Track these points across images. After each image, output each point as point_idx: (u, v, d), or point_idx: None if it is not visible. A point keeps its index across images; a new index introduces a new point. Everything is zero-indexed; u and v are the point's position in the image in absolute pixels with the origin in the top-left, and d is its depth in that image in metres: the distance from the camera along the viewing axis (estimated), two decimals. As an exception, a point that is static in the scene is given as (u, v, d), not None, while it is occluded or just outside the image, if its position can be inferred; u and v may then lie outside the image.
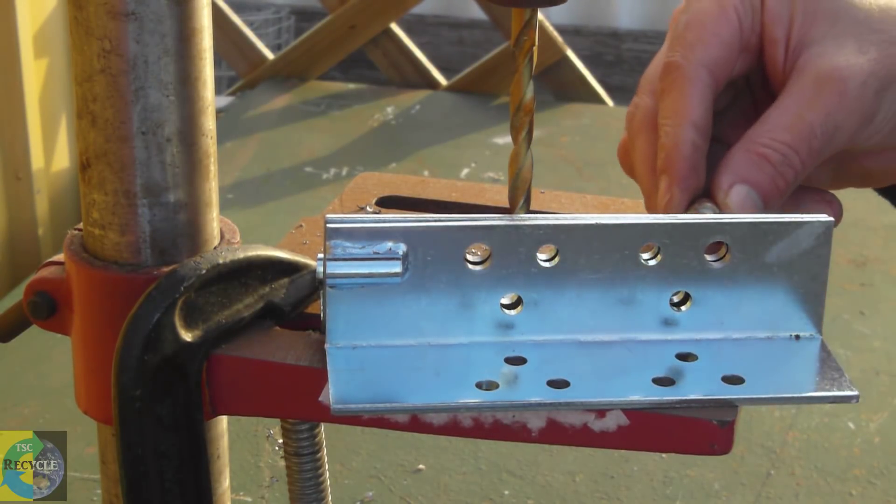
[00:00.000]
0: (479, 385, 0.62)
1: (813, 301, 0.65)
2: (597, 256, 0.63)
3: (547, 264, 0.63)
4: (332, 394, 0.61)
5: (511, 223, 0.63)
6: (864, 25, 0.68)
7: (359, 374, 0.62)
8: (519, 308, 0.64)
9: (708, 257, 0.64)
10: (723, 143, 0.70)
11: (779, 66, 0.69)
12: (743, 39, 0.69)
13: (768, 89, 0.71)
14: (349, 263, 0.62)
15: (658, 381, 0.62)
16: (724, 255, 0.64)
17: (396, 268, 0.62)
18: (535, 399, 0.61)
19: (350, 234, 0.62)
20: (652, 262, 0.64)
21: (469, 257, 0.63)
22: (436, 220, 0.63)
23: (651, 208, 0.69)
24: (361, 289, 0.63)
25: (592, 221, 0.63)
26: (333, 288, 0.62)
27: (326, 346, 0.63)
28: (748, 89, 0.73)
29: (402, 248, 0.62)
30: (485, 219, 0.63)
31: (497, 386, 0.62)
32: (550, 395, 0.61)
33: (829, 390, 0.63)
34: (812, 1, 0.68)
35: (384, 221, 0.62)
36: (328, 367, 0.62)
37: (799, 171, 0.66)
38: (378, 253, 0.62)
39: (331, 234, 0.62)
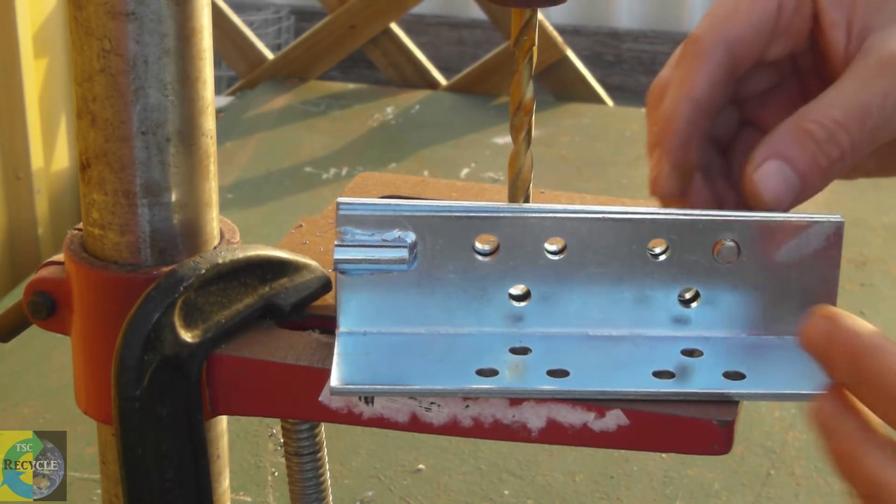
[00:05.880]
0: (479, 372, 0.62)
1: (825, 303, 0.65)
2: (603, 250, 0.64)
3: (555, 257, 0.64)
4: (334, 374, 0.61)
5: (518, 214, 0.63)
6: None
7: (363, 357, 0.63)
8: (528, 300, 0.65)
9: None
10: (762, 129, 0.67)
11: (840, 50, 0.66)
12: (782, 22, 0.66)
13: (822, 74, 0.68)
14: (358, 250, 0.63)
15: (658, 375, 0.62)
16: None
17: (403, 254, 0.63)
18: (533, 386, 0.61)
19: (360, 222, 0.63)
20: (662, 258, 0.64)
21: (478, 246, 0.64)
22: (444, 208, 0.63)
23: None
24: (372, 276, 0.64)
25: (599, 215, 0.63)
26: (344, 274, 0.63)
27: (337, 331, 0.64)
28: (795, 75, 0.71)
29: (410, 237, 0.63)
30: (492, 209, 0.64)
31: (497, 373, 0.62)
32: (548, 383, 0.62)
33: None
34: None
35: (394, 210, 0.63)
36: (335, 350, 0.63)
37: (846, 152, 0.62)
38: (386, 240, 0.63)
39: (341, 220, 0.63)
